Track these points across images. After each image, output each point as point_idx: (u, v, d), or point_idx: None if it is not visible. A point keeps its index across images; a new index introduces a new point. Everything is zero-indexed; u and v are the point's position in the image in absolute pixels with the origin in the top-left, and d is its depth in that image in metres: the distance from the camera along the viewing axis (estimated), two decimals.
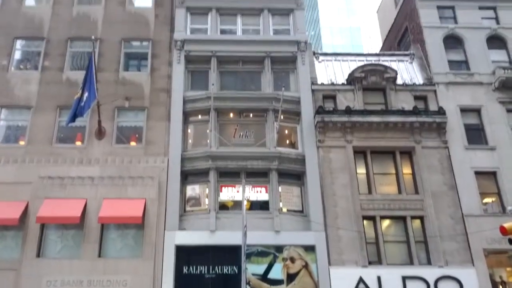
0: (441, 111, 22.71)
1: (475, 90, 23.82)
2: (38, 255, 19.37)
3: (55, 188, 20.28)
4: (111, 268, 19.09)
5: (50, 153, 21.21)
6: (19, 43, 24.02)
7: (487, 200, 21.60)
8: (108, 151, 21.50)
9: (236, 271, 19.28)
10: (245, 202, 18.41)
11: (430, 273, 19.58)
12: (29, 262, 19.03)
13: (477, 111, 23.39)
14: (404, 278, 19.43)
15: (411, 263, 20.06)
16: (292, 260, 20.03)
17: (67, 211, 19.34)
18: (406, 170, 22.06)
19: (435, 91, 23.72)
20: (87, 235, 19.67)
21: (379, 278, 19.42)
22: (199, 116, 23.03)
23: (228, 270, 19.67)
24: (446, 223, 20.68)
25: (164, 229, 20.16)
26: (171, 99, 22.77)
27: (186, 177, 21.89)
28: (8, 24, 24.03)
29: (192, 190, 21.85)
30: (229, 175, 21.79)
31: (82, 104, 19.94)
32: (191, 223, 20.78)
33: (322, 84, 23.89)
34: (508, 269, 21.10)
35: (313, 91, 23.51)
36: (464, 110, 23.27)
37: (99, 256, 19.53)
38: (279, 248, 20.22)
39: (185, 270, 19.65)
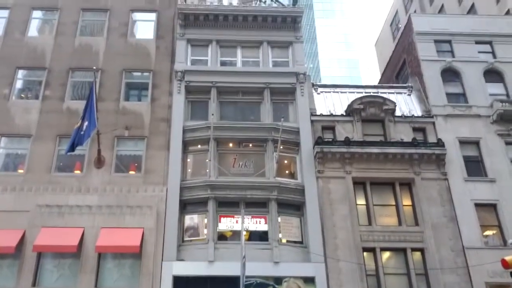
0: (440, 143, 22.82)
1: (474, 122, 24.00)
2: (34, 285, 19.07)
3: (53, 216, 20.16)
4: None
5: (48, 182, 21.15)
6: (20, 73, 24.28)
7: (488, 232, 21.46)
8: (107, 180, 21.45)
9: None
10: (244, 233, 18.26)
11: None
12: None
13: (476, 143, 23.49)
14: None
15: None
16: None
17: (64, 240, 19.17)
18: (406, 201, 22.00)
19: (433, 123, 23.90)
20: (84, 265, 19.42)
21: None
22: (199, 146, 23.09)
23: None
24: (446, 255, 20.49)
25: (162, 259, 19.94)
26: (171, 128, 22.88)
27: (185, 206, 21.78)
28: (11, 54, 24.34)
29: (191, 219, 21.71)
30: (228, 205, 21.71)
31: (82, 133, 20.02)
32: (189, 253, 20.55)
33: (321, 115, 24.08)
34: None
35: (312, 122, 23.67)
36: (463, 142, 23.38)
37: (96, 286, 19.24)
38: (278, 280, 19.96)
39: None
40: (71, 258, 19.65)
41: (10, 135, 22.50)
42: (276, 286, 19.85)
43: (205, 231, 21.10)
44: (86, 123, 20.23)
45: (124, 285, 19.57)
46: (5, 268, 19.63)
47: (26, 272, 19.13)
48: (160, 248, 20.14)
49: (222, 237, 21.21)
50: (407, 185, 22.30)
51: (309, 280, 19.98)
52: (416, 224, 21.36)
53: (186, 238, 21.19)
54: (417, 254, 20.76)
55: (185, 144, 22.90)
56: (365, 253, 20.64)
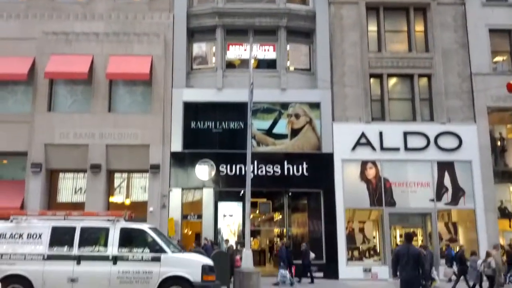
0: None
1: None
2: (49, 109, 19.97)
3: (61, 44, 20.15)
4: (122, 122, 19.72)
5: (52, 8, 20.73)
6: None
7: (498, 58, 21.21)
8: (111, 7, 20.93)
9: (242, 126, 19.83)
10: (252, 61, 18.19)
11: (431, 129, 20.05)
12: (41, 115, 19.67)
13: None
14: (405, 134, 19.96)
15: (414, 119, 20.45)
16: (297, 116, 20.46)
17: (75, 67, 19.44)
18: (419, 27, 21.41)
19: None
20: (96, 91, 20.02)
21: (381, 133, 19.95)
22: None
23: (234, 126, 20.26)
24: (453, 81, 20.58)
25: (172, 86, 20.39)
26: None
27: (193, 34, 21.51)
28: None
29: (199, 48, 21.63)
30: (236, 33, 21.36)
31: None
32: (198, 81, 20.91)
33: None
34: (509, 126, 21.47)
35: None
36: None
37: (109, 111, 20.07)
38: (285, 105, 20.57)
39: (193, 125, 20.28)
40: (83, 84, 20.20)
41: None
42: (282, 111, 20.53)
43: (214, 59, 21.15)
44: None
45: (136, 110, 20.39)
46: (20, 94, 20.38)
47: (41, 97, 19.85)
48: (170, 76, 20.46)
49: (230, 65, 21.32)
50: (422, 10, 21.45)
51: (315, 105, 20.54)
52: (427, 50, 21.06)
53: (194, 67, 21.36)
54: (424, 80, 20.88)
55: None
56: (372, 79, 20.81)
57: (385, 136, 19.92)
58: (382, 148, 19.91)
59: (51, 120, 19.60)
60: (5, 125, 19.37)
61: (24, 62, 19.65)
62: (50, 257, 10.30)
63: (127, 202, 20.24)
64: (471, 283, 15.83)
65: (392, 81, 21.14)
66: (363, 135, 19.93)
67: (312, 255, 18.31)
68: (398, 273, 9.56)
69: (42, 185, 19.22)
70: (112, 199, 20.10)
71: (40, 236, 10.48)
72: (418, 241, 20.14)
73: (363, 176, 19.94)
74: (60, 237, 10.61)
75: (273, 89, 20.49)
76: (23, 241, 10.48)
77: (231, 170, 19.82)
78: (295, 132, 20.40)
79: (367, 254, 19.85)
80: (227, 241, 19.02)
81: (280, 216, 21.43)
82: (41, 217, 11.11)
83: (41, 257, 10.27)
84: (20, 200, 18.87)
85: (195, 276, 10.28)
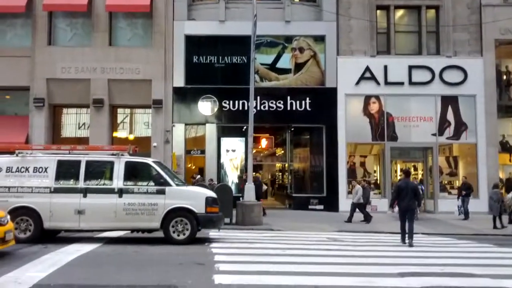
0: None
1: None
2: (49, 43, 19.70)
3: None
4: (123, 56, 19.51)
5: None
6: None
7: None
8: None
9: (245, 60, 19.52)
10: None
11: (437, 62, 19.75)
12: (41, 49, 19.44)
13: None
14: (410, 67, 19.69)
15: (419, 53, 20.10)
16: (301, 50, 20.11)
17: None
18: None
19: None
20: (96, 24, 19.63)
21: (385, 67, 19.68)
22: None
23: (237, 60, 20.00)
24: (461, 13, 20.01)
25: (173, 19, 19.93)
26: None
27: None
28: None
29: None
30: None
31: None
32: (201, 13, 20.41)
33: None
34: None
35: None
36: None
37: (110, 44, 19.77)
38: (289, 39, 20.19)
39: (195, 59, 20.01)
40: (82, 17, 19.81)
41: None
42: (286, 44, 20.18)
43: None
44: None
45: (137, 43, 20.12)
46: (19, 28, 20.04)
47: (40, 31, 19.53)
48: (171, 8, 19.98)
49: None
50: None
51: (319, 38, 20.15)
52: None
53: None
54: (431, 12, 20.31)
55: None
56: (378, 11, 20.27)
57: (389, 70, 19.65)
58: (386, 82, 19.71)
59: (51, 54, 19.39)
60: (6, 59, 19.17)
61: None
62: (57, 190, 10.46)
63: (131, 137, 20.40)
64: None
65: (399, 13, 20.57)
66: (367, 69, 19.66)
67: (264, 187, 18.96)
68: (395, 204, 11.15)
69: (45, 120, 19.32)
70: (115, 134, 20.25)
71: (46, 169, 10.60)
72: (419, 175, 20.46)
73: (366, 110, 19.88)
74: (66, 170, 10.72)
75: (277, 22, 19.99)
76: (29, 174, 10.61)
77: (233, 106, 19.77)
78: (298, 67, 20.13)
79: None
80: (196, 174, 19.01)
81: (282, 151, 21.66)
82: (46, 151, 11.22)
83: (48, 190, 10.44)
84: (24, 135, 19.03)
85: (199, 207, 10.49)
